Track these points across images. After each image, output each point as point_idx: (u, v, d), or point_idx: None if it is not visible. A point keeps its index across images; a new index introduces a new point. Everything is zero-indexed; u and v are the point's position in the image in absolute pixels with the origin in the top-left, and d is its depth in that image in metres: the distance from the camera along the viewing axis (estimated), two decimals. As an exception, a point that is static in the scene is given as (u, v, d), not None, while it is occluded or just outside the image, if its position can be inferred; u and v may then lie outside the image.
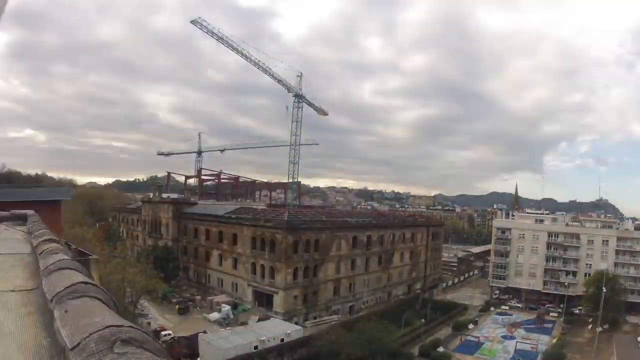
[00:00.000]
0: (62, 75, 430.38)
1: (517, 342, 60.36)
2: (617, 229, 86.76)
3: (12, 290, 2.90)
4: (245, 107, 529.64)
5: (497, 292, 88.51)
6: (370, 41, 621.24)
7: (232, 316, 59.73)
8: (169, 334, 50.80)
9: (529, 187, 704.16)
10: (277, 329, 50.40)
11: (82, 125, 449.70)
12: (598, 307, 63.74)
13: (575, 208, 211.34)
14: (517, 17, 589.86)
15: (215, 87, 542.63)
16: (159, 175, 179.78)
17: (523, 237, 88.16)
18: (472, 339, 61.94)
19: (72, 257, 3.43)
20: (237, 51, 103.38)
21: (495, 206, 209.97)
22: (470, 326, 67.25)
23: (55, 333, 1.67)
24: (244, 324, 55.97)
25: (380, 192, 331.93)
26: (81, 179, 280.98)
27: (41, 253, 3.54)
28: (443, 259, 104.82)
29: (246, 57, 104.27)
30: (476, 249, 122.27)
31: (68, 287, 2.10)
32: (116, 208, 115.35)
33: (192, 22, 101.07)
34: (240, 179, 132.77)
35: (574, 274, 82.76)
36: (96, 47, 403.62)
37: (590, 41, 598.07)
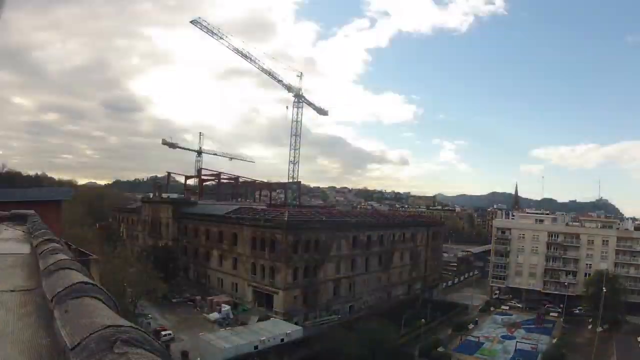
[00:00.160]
0: None
1: (517, 342, 60.40)
2: (617, 229, 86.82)
3: (12, 290, 2.90)
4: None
5: (497, 292, 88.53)
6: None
7: (232, 316, 59.73)
8: (169, 334, 50.80)
9: (529, 187, 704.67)
10: (277, 329, 50.43)
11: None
12: (598, 307, 63.81)
13: (575, 208, 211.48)
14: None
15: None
16: (159, 175, 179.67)
17: (523, 237, 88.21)
18: (472, 339, 61.99)
19: (72, 257, 3.43)
20: (239, 52, 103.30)
21: (495, 206, 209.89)
22: (470, 326, 67.29)
23: (55, 333, 1.67)
24: (244, 324, 55.97)
25: (380, 192, 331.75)
26: (81, 179, 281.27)
27: (41, 253, 3.54)
28: (443, 259, 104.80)
29: (248, 59, 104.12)
30: (476, 249, 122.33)
31: (68, 287, 2.10)
32: (116, 208, 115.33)
33: (192, 22, 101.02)
34: (240, 179, 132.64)
35: (574, 274, 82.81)
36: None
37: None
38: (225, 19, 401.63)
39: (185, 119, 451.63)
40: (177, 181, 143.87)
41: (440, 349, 55.17)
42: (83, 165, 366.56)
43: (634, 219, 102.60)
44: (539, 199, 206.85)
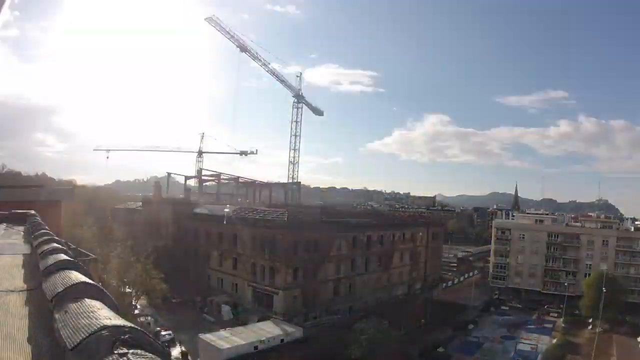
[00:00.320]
0: None
1: (517, 342, 60.39)
2: (617, 229, 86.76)
3: (12, 291, 2.90)
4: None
5: (497, 292, 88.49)
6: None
7: (232, 316, 59.70)
8: (169, 334, 50.76)
9: (529, 187, 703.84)
10: (277, 329, 50.43)
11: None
12: (598, 307, 63.79)
13: (575, 208, 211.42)
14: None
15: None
16: (159, 176, 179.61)
17: (523, 237, 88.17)
18: (472, 339, 61.96)
19: (72, 257, 3.42)
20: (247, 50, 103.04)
21: (495, 206, 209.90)
22: (470, 326, 67.24)
23: (55, 333, 1.67)
24: (244, 324, 55.95)
25: (380, 192, 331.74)
26: (81, 179, 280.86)
27: (41, 253, 3.54)
28: (443, 259, 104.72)
29: (257, 59, 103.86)
30: (476, 249, 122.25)
31: (68, 287, 2.10)
32: (116, 208, 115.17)
33: (207, 19, 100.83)
34: (240, 179, 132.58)
35: (574, 274, 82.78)
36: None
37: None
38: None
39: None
40: (177, 181, 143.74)
41: (440, 349, 55.15)
42: None
43: (634, 219, 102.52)
44: (539, 199, 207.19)
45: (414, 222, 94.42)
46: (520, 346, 58.85)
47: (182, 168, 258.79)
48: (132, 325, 1.51)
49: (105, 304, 1.93)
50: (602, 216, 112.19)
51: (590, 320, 68.23)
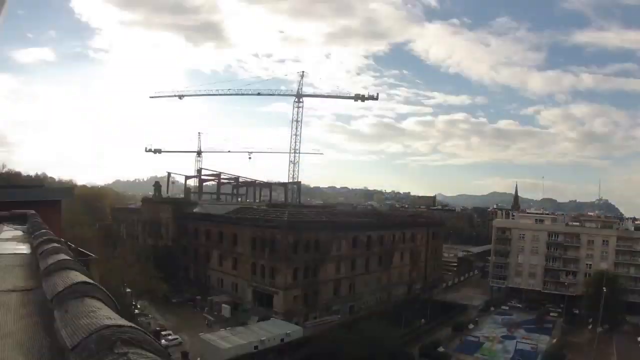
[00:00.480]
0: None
1: (517, 342, 60.41)
2: (617, 229, 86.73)
3: (12, 290, 2.90)
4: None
5: (498, 291, 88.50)
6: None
7: (231, 315, 59.77)
8: (169, 334, 50.77)
9: (529, 187, 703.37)
10: (277, 329, 50.46)
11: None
12: (598, 307, 63.73)
13: (576, 208, 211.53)
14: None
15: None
16: (159, 175, 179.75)
17: (523, 237, 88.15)
18: (472, 339, 61.95)
19: (72, 257, 3.42)
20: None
21: (495, 206, 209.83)
22: (471, 326, 67.26)
23: (55, 333, 1.67)
24: (244, 324, 55.99)
25: (380, 192, 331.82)
26: (81, 179, 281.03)
27: (41, 253, 3.54)
28: (443, 259, 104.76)
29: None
30: (476, 249, 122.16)
31: (68, 287, 2.10)
32: (116, 208, 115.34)
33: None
34: (240, 179, 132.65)
35: (574, 274, 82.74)
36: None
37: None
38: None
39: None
40: (177, 181, 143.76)
41: (440, 349, 55.16)
42: None
43: (634, 219, 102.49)
44: (539, 199, 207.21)
45: (414, 222, 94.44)
46: (520, 346, 58.82)
47: (182, 168, 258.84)
48: (132, 325, 1.51)
49: (105, 304, 1.93)
50: (602, 216, 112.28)
51: (590, 320, 68.21)
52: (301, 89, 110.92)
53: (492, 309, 78.71)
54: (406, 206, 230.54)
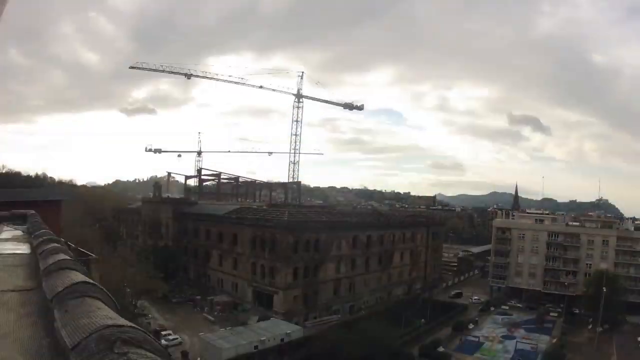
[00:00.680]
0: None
1: (517, 342, 60.37)
2: (617, 229, 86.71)
3: (12, 290, 2.90)
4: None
5: (497, 291, 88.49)
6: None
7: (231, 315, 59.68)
8: (169, 334, 50.74)
9: (529, 187, 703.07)
10: (277, 329, 50.43)
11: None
12: (598, 307, 63.75)
13: (575, 208, 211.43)
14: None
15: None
16: (159, 175, 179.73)
17: (523, 237, 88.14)
18: (472, 339, 61.94)
19: (72, 257, 3.43)
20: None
21: (495, 206, 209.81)
22: (470, 326, 67.24)
23: (55, 333, 1.67)
24: (244, 324, 55.99)
25: (380, 192, 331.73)
26: (81, 179, 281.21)
27: (41, 253, 3.55)
28: (443, 259, 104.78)
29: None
30: (476, 249, 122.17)
31: (68, 287, 2.10)
32: (116, 208, 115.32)
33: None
34: (240, 179, 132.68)
35: (574, 274, 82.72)
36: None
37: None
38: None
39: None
40: (177, 181, 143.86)
41: (440, 349, 55.15)
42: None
43: (634, 219, 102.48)
44: (539, 199, 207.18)
45: (414, 222, 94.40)
46: (520, 346, 58.80)
47: (182, 168, 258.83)
48: (132, 324, 1.51)
49: (105, 304, 1.93)
50: (602, 216, 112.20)
51: (590, 320, 68.22)
52: (301, 89, 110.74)
53: (492, 309, 78.70)
54: (406, 206, 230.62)
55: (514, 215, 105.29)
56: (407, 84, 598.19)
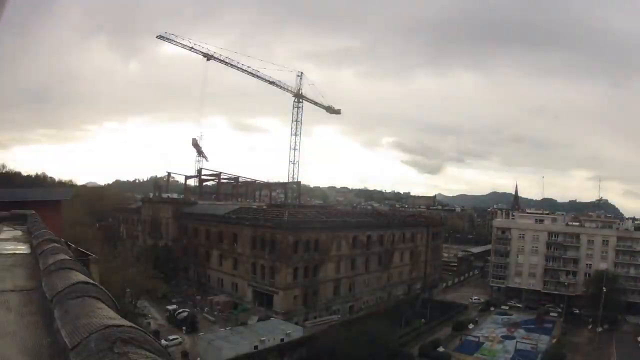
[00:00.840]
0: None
1: (517, 342, 60.36)
2: (617, 229, 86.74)
3: (12, 290, 2.90)
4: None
5: (497, 291, 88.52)
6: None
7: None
8: (176, 338, 50.61)
9: (529, 187, 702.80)
10: (277, 329, 50.45)
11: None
12: (598, 307, 63.83)
13: (575, 208, 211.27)
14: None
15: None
16: (159, 175, 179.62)
17: (523, 237, 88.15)
18: (472, 339, 61.95)
19: (72, 257, 3.43)
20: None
21: (495, 206, 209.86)
22: (470, 326, 67.26)
23: (55, 333, 1.67)
24: (244, 324, 55.99)
25: (380, 192, 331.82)
26: (81, 179, 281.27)
27: (41, 253, 3.55)
28: (443, 259, 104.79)
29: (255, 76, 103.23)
30: (476, 249, 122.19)
31: (68, 287, 2.10)
32: (116, 208, 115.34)
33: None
34: (240, 179, 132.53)
35: (574, 274, 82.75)
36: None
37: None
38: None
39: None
40: (177, 181, 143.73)
41: (440, 349, 55.14)
42: None
43: (634, 219, 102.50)
44: (539, 199, 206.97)
45: (414, 222, 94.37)
46: (520, 346, 58.80)
47: (182, 168, 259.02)
48: (132, 324, 1.51)
49: (105, 304, 1.93)
50: (602, 216, 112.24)
51: (590, 320, 68.26)
52: (301, 89, 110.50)
53: (492, 309, 78.71)
54: (406, 206, 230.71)
55: (514, 216, 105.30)
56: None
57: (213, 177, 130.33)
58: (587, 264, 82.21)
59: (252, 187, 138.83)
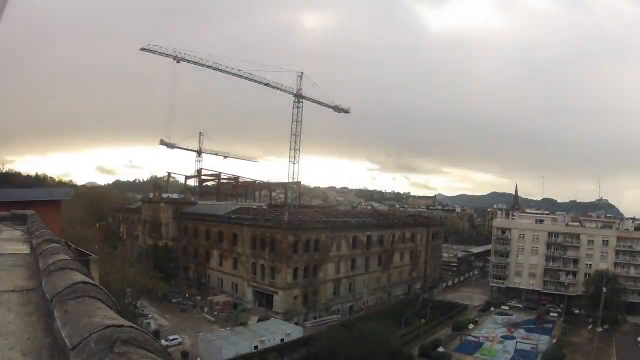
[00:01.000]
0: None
1: (517, 342, 60.35)
2: (617, 229, 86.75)
3: (12, 290, 2.90)
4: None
5: (497, 291, 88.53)
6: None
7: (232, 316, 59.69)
8: (176, 338, 50.62)
9: (529, 187, 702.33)
10: (277, 329, 50.48)
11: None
12: (598, 307, 63.80)
13: (575, 208, 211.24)
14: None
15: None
16: (159, 175, 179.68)
17: (523, 237, 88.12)
18: (472, 339, 61.95)
19: (72, 257, 3.43)
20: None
21: (495, 206, 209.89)
22: (470, 326, 67.25)
23: (55, 333, 1.68)
24: (244, 324, 55.99)
25: (380, 192, 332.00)
26: (81, 179, 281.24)
27: (41, 253, 3.55)
28: (443, 259, 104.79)
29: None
30: (476, 249, 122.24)
31: (68, 287, 2.10)
32: (116, 208, 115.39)
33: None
34: (240, 179, 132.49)
35: (574, 274, 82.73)
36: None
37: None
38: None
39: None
40: (177, 181, 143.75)
41: (440, 349, 55.15)
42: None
43: (634, 219, 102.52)
44: (539, 199, 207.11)
45: (414, 222, 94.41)
46: (520, 346, 58.80)
47: (182, 168, 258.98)
48: (132, 324, 1.52)
49: (105, 304, 1.94)
50: (602, 216, 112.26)
51: (590, 320, 68.26)
52: (301, 89, 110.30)
53: (492, 309, 78.69)
54: (406, 206, 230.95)
55: (513, 216, 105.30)
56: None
57: (213, 177, 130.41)
58: (587, 264, 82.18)
59: (252, 187, 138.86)
